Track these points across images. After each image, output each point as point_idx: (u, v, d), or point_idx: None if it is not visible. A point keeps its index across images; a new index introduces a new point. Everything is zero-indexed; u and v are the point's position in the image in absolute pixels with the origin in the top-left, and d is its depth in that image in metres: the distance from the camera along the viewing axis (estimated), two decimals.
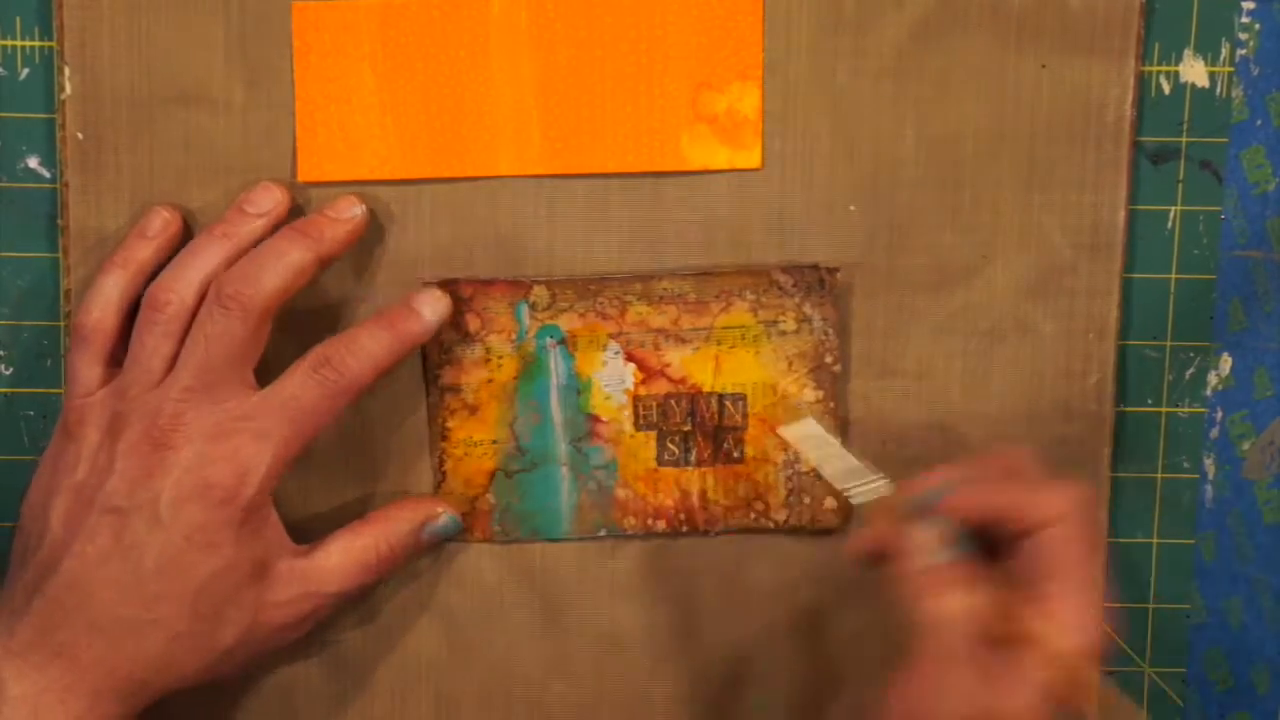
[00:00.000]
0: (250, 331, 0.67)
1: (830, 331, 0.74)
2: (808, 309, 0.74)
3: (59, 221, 0.73)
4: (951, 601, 0.63)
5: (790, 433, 0.73)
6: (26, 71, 0.73)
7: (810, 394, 0.74)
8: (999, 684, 0.61)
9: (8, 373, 0.75)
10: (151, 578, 0.66)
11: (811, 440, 0.72)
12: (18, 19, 0.73)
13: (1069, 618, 0.62)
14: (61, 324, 0.74)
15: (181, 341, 0.68)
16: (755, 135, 0.73)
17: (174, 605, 0.66)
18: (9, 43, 0.73)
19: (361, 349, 0.68)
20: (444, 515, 0.73)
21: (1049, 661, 0.61)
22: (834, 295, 0.73)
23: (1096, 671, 0.62)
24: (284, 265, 0.68)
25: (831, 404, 0.74)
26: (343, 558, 0.70)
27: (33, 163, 0.74)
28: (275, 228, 0.70)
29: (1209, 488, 0.77)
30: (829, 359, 0.74)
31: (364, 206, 0.71)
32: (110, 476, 0.66)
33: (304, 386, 0.67)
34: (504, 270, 0.74)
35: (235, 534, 0.66)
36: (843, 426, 0.74)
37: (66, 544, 0.66)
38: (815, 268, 0.73)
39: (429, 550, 0.74)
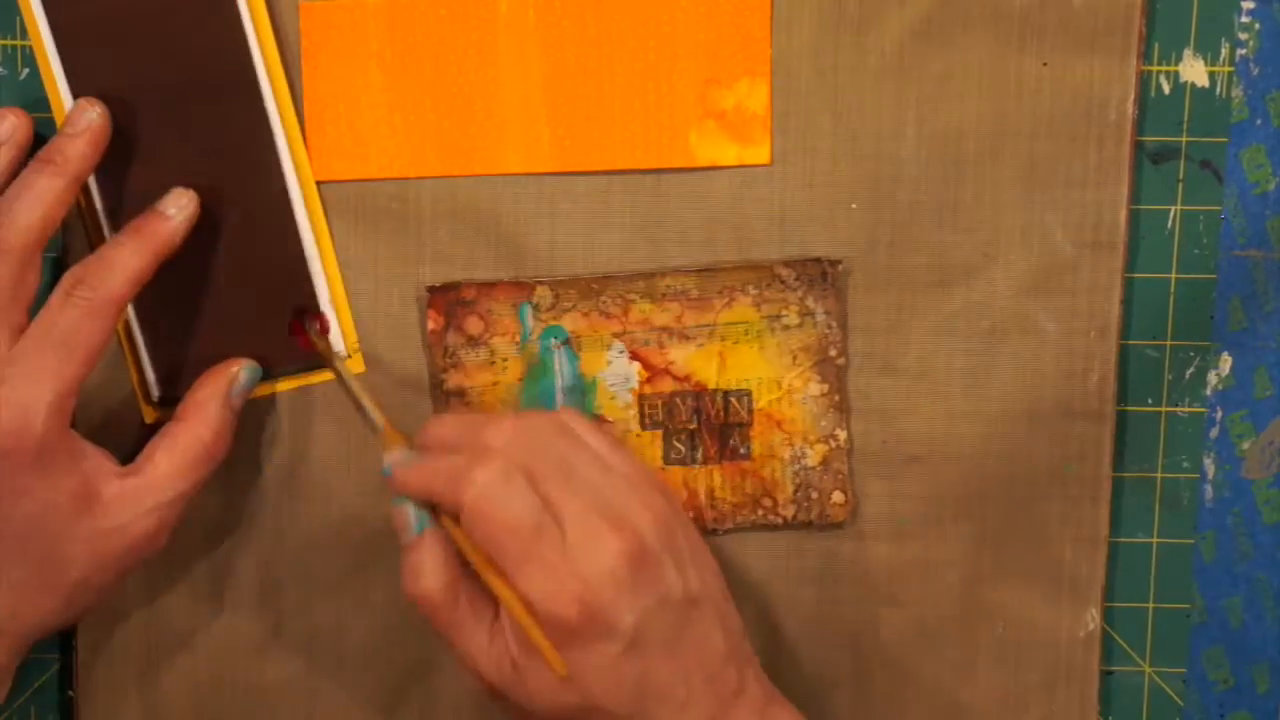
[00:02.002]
0: (13, 274, 0.65)
1: (834, 325, 0.74)
2: (810, 302, 0.74)
3: None
4: (422, 581, 0.66)
5: (339, 365, 0.72)
6: (26, 72, 0.73)
7: (815, 387, 0.74)
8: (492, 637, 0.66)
9: None
10: None
11: (345, 374, 0.72)
12: (18, 19, 0.72)
13: (515, 588, 0.64)
14: None
15: None
16: (764, 131, 0.73)
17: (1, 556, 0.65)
18: (9, 43, 0.73)
19: (113, 261, 0.67)
20: (241, 372, 0.72)
21: (512, 623, 0.65)
22: (836, 288, 0.74)
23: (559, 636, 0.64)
24: (35, 199, 0.66)
25: (836, 397, 0.74)
26: (170, 460, 0.68)
27: None
28: (21, 155, 0.68)
29: (1209, 488, 0.77)
30: (833, 352, 0.74)
31: (99, 110, 0.69)
32: None
33: (62, 312, 0.65)
34: (505, 268, 0.74)
35: (38, 476, 0.65)
36: (846, 420, 0.75)
37: None
38: (818, 261, 0.73)
39: (244, 404, 0.72)
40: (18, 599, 0.66)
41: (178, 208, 0.69)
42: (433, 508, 0.66)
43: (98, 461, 0.67)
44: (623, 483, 0.66)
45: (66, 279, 0.66)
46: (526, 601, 0.63)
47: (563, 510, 0.64)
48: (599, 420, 0.70)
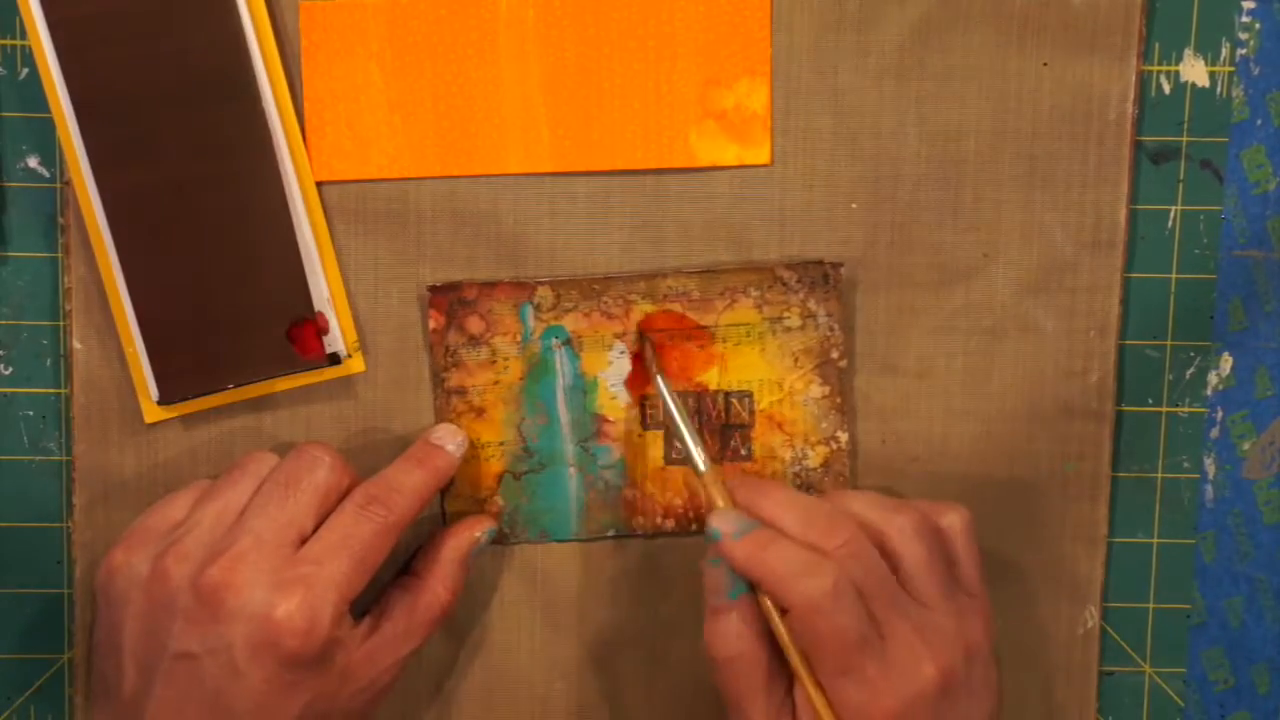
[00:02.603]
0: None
1: (835, 327, 0.74)
2: (812, 305, 0.74)
3: (59, 221, 0.73)
4: (731, 644, 0.67)
5: (662, 384, 0.72)
6: (26, 71, 0.73)
7: (817, 389, 0.74)
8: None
9: (8, 373, 0.74)
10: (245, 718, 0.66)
11: (674, 400, 0.72)
12: (17, 19, 0.72)
13: (828, 694, 0.65)
14: (61, 324, 0.74)
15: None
16: (764, 131, 0.73)
17: None
18: (9, 43, 0.73)
19: (403, 486, 0.70)
20: (483, 535, 0.73)
21: (806, 710, 0.66)
22: (838, 291, 0.74)
23: None
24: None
25: (838, 399, 0.74)
26: (409, 619, 0.70)
27: (33, 163, 0.73)
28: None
29: (1209, 488, 0.77)
30: (835, 354, 0.74)
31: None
32: (175, 619, 0.66)
33: (358, 524, 0.68)
34: (505, 268, 0.74)
35: (314, 672, 0.66)
36: (847, 422, 0.75)
37: (146, 690, 0.66)
38: (820, 263, 0.73)
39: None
40: None
41: (455, 444, 0.73)
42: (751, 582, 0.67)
43: (348, 633, 0.68)
44: (954, 609, 0.68)
45: (359, 494, 0.69)
46: (835, 707, 0.65)
47: (887, 627, 0.65)
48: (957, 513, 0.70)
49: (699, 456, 0.70)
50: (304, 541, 0.67)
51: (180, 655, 0.65)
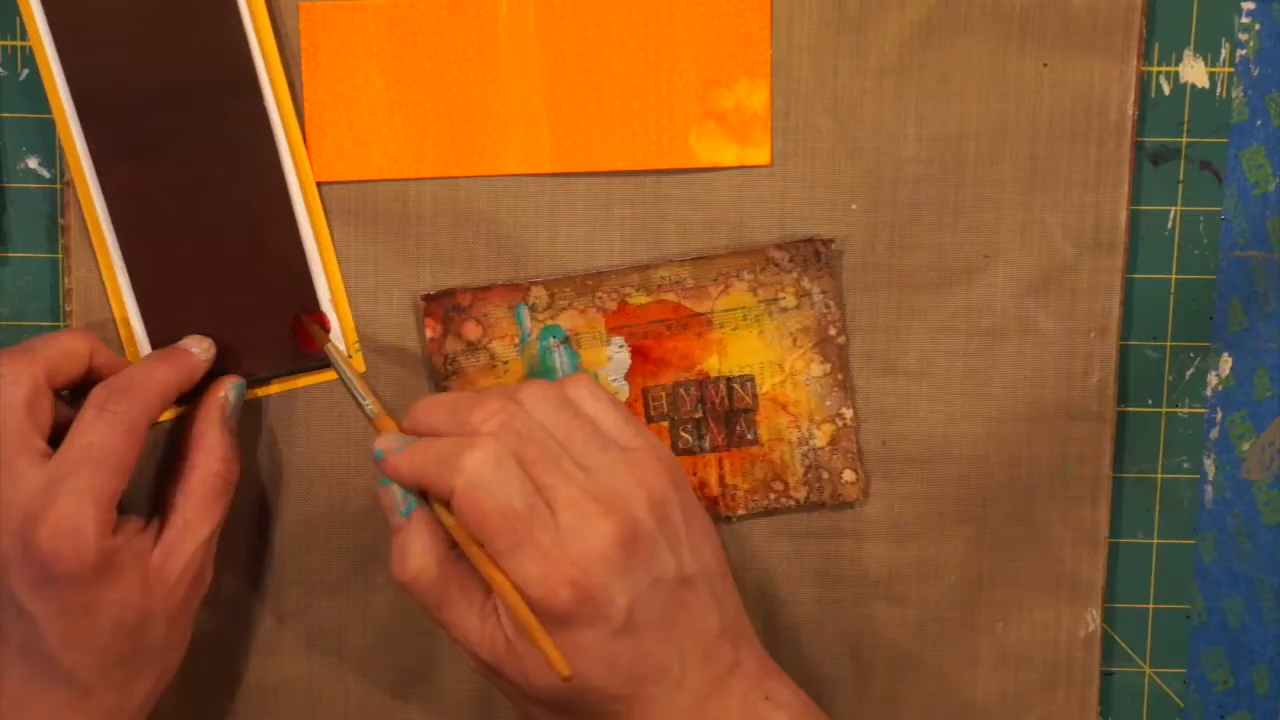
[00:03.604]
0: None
1: (831, 304, 0.74)
2: (806, 283, 0.74)
3: (59, 221, 0.73)
4: (409, 564, 0.66)
5: (334, 353, 0.72)
6: (26, 72, 0.73)
7: (817, 368, 0.74)
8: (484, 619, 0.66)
9: None
10: (61, 655, 0.65)
11: (339, 359, 0.72)
12: (18, 19, 0.73)
13: (504, 575, 0.64)
14: (61, 324, 0.74)
15: None
16: (764, 132, 0.73)
17: (93, 659, 0.66)
18: (9, 43, 0.73)
19: (145, 383, 0.68)
20: (230, 393, 0.72)
21: (506, 605, 0.65)
22: (831, 267, 0.73)
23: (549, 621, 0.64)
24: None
25: (839, 375, 0.74)
26: (193, 503, 0.69)
27: (33, 163, 0.73)
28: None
29: (1209, 488, 0.77)
30: (832, 331, 0.74)
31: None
32: None
33: (94, 428, 0.66)
34: (505, 269, 0.74)
35: (104, 586, 0.65)
36: (851, 397, 0.75)
37: None
38: (810, 241, 0.73)
39: (239, 421, 0.73)
40: (130, 694, 0.68)
41: (200, 349, 0.71)
42: (423, 491, 0.67)
43: (132, 539, 0.67)
44: (619, 461, 0.66)
45: (97, 395, 0.67)
46: (519, 586, 0.63)
47: (554, 494, 0.64)
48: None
49: (366, 403, 0.70)
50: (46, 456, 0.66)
51: None
